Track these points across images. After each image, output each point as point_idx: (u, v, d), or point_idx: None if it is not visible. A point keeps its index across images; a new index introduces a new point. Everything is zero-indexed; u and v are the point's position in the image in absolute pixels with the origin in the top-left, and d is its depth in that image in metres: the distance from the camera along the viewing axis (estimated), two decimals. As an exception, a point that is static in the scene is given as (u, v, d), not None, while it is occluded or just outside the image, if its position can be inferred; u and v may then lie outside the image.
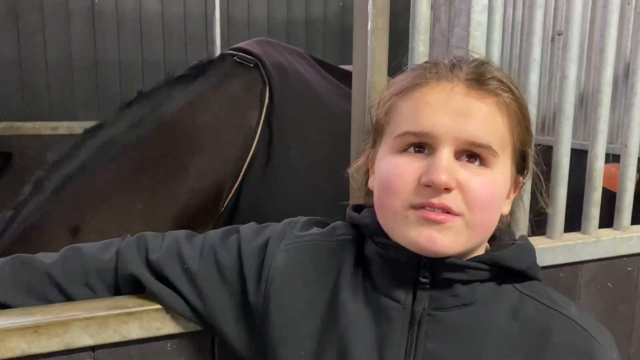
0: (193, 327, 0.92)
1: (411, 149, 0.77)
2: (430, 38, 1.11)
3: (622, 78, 2.53)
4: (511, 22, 2.97)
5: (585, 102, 2.81)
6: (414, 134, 0.76)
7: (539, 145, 0.89)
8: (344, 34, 4.75)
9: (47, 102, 4.03)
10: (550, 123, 2.93)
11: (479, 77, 0.77)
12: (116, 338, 0.87)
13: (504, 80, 0.79)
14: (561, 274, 1.31)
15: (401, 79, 0.83)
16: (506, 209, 0.83)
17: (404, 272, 0.78)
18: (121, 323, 0.87)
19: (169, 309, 0.90)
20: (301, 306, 0.82)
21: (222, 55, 1.74)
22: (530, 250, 0.84)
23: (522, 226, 1.20)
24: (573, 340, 0.77)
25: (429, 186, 0.73)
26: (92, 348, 0.87)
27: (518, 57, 2.95)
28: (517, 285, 0.81)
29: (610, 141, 2.00)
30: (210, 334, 0.94)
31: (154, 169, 1.48)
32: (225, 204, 1.56)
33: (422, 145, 0.76)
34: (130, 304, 0.89)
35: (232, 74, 1.67)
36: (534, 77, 1.22)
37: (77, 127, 3.82)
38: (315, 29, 4.69)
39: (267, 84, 1.64)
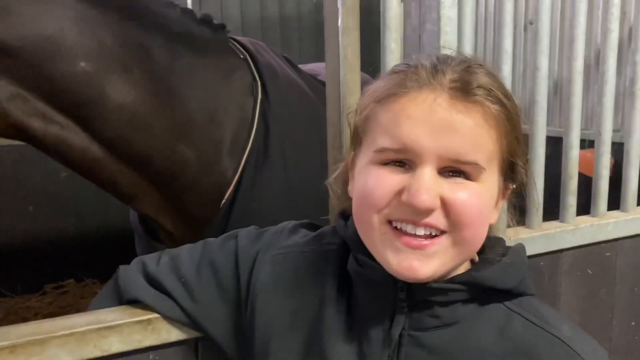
0: (175, 337, 0.91)
1: (391, 163, 0.72)
2: (402, 35, 1.10)
3: (594, 64, 2.56)
4: (484, 13, 2.97)
5: (559, 89, 2.83)
6: (394, 150, 0.71)
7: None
8: (319, 32, 4.73)
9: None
10: (527, 111, 2.95)
11: (465, 86, 0.70)
12: (96, 353, 0.86)
13: (492, 88, 0.72)
14: (542, 263, 1.32)
15: (381, 84, 0.77)
16: (494, 218, 0.78)
17: (382, 292, 0.76)
18: (101, 338, 0.86)
19: (166, 317, 0.91)
20: (286, 319, 0.82)
21: (220, 33, 1.71)
22: (518, 267, 0.79)
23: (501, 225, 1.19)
24: None
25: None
26: (72, 365, 0.85)
27: (492, 47, 2.96)
28: (506, 303, 0.77)
29: (585, 127, 2.01)
30: (192, 343, 0.93)
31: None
32: (226, 197, 1.50)
33: (402, 161, 0.71)
34: (109, 317, 0.88)
35: (230, 54, 1.63)
36: (506, 69, 1.22)
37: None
38: (289, 27, 4.65)
39: (259, 81, 1.59)
